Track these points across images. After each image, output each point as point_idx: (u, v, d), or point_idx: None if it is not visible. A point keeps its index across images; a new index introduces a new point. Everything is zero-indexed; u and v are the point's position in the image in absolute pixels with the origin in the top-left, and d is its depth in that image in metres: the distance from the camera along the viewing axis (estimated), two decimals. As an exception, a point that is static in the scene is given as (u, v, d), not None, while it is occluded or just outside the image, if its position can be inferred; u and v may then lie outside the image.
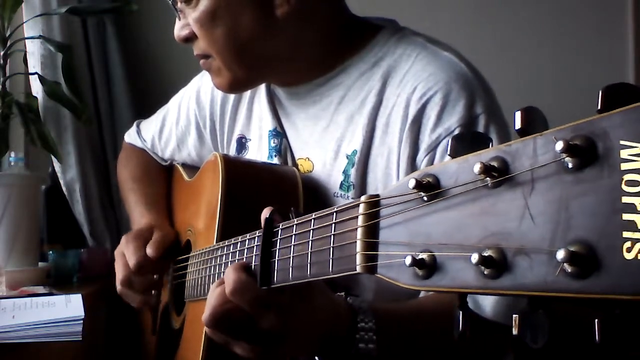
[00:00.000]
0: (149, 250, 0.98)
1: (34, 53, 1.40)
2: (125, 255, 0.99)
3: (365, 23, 0.93)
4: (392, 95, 0.84)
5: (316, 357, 0.66)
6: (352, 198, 0.85)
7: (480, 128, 0.79)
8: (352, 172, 0.85)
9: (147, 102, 1.58)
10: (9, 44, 1.34)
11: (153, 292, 1.05)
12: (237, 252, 0.71)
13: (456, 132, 0.78)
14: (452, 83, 0.80)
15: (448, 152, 0.38)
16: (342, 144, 0.88)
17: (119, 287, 1.03)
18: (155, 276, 1.03)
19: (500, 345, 0.77)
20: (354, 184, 0.85)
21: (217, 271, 0.79)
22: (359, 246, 0.44)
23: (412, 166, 0.81)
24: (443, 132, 0.79)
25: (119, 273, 1.01)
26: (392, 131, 0.83)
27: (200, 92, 1.11)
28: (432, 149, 0.79)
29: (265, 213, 0.64)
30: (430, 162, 0.79)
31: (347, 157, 0.87)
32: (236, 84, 0.92)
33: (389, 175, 0.83)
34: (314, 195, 0.88)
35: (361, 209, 0.45)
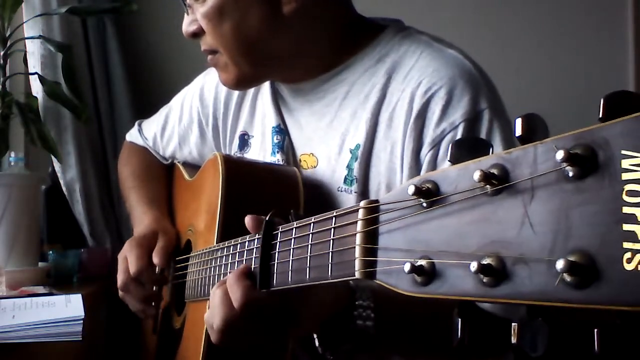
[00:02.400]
0: (155, 260, 0.99)
1: (34, 53, 1.40)
2: (128, 260, 1.00)
3: (370, 22, 0.94)
4: (397, 90, 0.84)
5: (314, 335, 0.66)
6: (354, 192, 0.86)
7: (484, 123, 0.79)
8: (355, 166, 0.86)
9: (147, 102, 1.58)
10: (9, 44, 1.34)
11: (153, 303, 1.05)
12: (237, 253, 0.71)
13: (460, 126, 0.79)
14: (456, 79, 0.80)
15: (448, 158, 0.38)
16: (346, 138, 0.88)
17: (119, 292, 1.04)
18: (154, 288, 1.04)
19: (500, 341, 0.78)
20: (356, 178, 0.85)
21: (217, 272, 0.79)
22: (358, 252, 0.44)
23: (417, 160, 0.81)
24: (447, 127, 0.79)
25: (119, 278, 1.02)
26: (396, 125, 0.83)
27: (204, 89, 1.11)
28: (436, 143, 0.80)
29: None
30: (434, 157, 0.80)
31: (351, 152, 0.87)
32: (243, 80, 0.93)
33: (392, 169, 0.83)
34: (318, 191, 0.89)
35: (360, 214, 0.44)
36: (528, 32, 1.79)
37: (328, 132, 0.91)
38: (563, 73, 1.77)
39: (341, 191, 0.87)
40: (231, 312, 0.62)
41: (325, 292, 0.64)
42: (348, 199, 0.86)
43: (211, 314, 0.65)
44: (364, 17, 0.94)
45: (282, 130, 0.97)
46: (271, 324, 0.63)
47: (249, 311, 0.62)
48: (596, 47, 1.77)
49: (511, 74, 1.70)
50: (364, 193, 0.85)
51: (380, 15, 0.96)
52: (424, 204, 0.38)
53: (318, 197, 0.87)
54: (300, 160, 0.95)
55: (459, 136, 0.78)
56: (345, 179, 0.87)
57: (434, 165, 0.80)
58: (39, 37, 1.38)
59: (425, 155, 0.80)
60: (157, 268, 1.02)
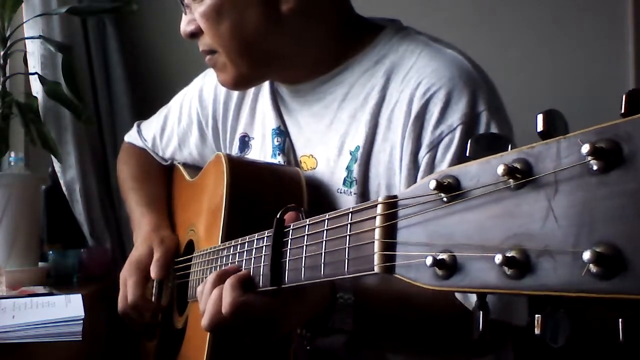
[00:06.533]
0: (153, 274, 1.01)
1: (34, 53, 1.40)
2: (127, 286, 1.02)
3: (368, 22, 0.94)
4: (395, 92, 0.85)
5: (298, 330, 0.70)
6: (354, 194, 0.86)
7: (482, 125, 0.79)
8: (355, 167, 0.86)
9: (147, 102, 1.58)
10: (9, 44, 1.34)
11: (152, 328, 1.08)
12: (245, 252, 0.71)
13: (458, 129, 0.79)
14: (455, 79, 0.81)
15: (467, 154, 0.38)
16: (346, 140, 0.89)
17: (119, 312, 1.06)
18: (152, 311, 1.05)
19: (499, 341, 0.80)
20: (356, 180, 0.86)
21: (223, 271, 0.79)
22: (376, 246, 0.44)
23: (415, 162, 0.81)
24: (445, 130, 0.80)
25: (119, 305, 1.04)
26: (395, 127, 0.84)
27: (202, 90, 1.11)
28: (434, 146, 0.80)
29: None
30: (432, 159, 0.80)
31: (351, 153, 0.87)
32: (241, 80, 0.93)
33: (391, 170, 0.84)
34: (317, 192, 0.89)
35: (379, 209, 0.45)
36: (528, 32, 1.80)
37: (327, 133, 0.91)
38: (563, 72, 1.77)
39: (341, 193, 0.87)
40: (218, 315, 0.65)
41: (317, 292, 0.66)
42: (348, 200, 0.86)
43: (204, 311, 0.68)
44: (363, 17, 0.95)
45: (282, 132, 0.97)
46: (260, 325, 0.65)
47: (236, 314, 0.64)
48: (596, 46, 1.78)
49: (511, 73, 1.71)
50: (363, 194, 0.85)
51: (379, 15, 0.97)
52: (445, 199, 0.38)
53: (318, 199, 0.88)
54: (300, 161, 0.95)
55: (456, 139, 0.79)
56: (345, 180, 0.87)
57: (431, 167, 0.80)
58: (39, 37, 1.37)
59: (423, 157, 0.80)
60: (154, 289, 1.04)
